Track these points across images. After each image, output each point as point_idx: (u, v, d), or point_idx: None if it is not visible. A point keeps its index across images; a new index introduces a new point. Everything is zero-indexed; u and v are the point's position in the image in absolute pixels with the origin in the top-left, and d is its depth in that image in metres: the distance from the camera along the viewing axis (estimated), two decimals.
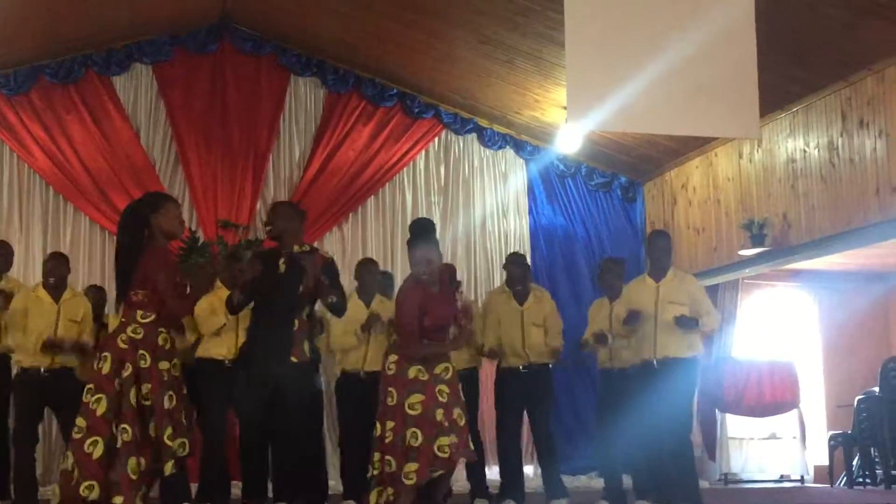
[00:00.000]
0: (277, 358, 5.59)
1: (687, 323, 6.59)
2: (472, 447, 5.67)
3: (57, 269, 7.18)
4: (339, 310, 5.95)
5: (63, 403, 6.95)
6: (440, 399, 5.48)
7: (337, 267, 5.98)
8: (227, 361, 6.87)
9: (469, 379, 7.48)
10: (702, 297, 6.78)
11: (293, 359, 5.57)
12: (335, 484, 7.89)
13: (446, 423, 5.44)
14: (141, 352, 5.17)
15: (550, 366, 7.60)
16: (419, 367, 5.56)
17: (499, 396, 7.64)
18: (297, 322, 5.63)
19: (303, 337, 5.63)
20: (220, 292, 7.03)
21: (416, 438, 5.38)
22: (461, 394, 5.64)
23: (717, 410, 9.75)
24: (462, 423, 5.51)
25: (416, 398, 5.45)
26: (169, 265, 5.37)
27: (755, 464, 10.14)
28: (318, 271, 5.65)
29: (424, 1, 8.34)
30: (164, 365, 5.21)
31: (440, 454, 5.38)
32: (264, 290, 5.79)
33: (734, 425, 10.08)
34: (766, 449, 10.15)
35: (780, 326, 10.73)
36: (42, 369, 6.98)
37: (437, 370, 5.57)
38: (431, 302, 5.63)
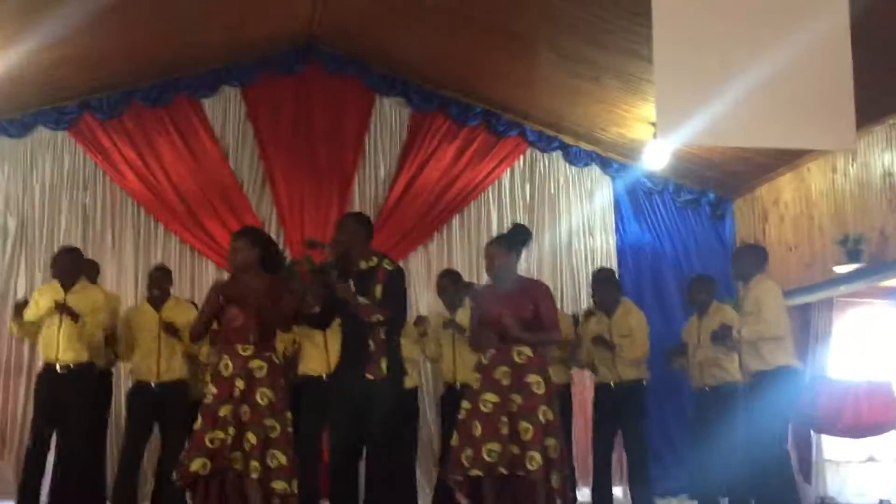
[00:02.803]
0: (355, 375, 5.58)
1: (719, 336, 6.56)
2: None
3: (160, 281, 7.44)
4: (391, 325, 5.68)
5: (171, 419, 7.10)
6: (482, 409, 5.44)
7: (400, 278, 5.77)
8: (324, 376, 6.97)
9: (561, 396, 7.45)
10: (765, 304, 6.49)
11: (368, 376, 5.54)
12: None
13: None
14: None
15: (644, 382, 7.54)
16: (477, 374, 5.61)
17: (593, 413, 7.65)
18: (373, 343, 5.57)
19: (380, 355, 5.56)
20: None
21: (477, 430, 5.45)
22: (531, 401, 5.44)
23: (812, 432, 9.49)
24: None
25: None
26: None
27: (853, 487, 9.81)
28: (353, 298, 5.58)
29: (509, 20, 8.30)
30: (213, 389, 5.52)
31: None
32: (342, 310, 5.80)
33: (830, 447, 9.79)
34: (864, 472, 9.84)
35: (876, 345, 10.41)
36: (153, 383, 7.13)
37: (496, 374, 5.50)
38: (489, 298, 5.66)
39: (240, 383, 5.46)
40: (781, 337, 6.38)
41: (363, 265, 5.72)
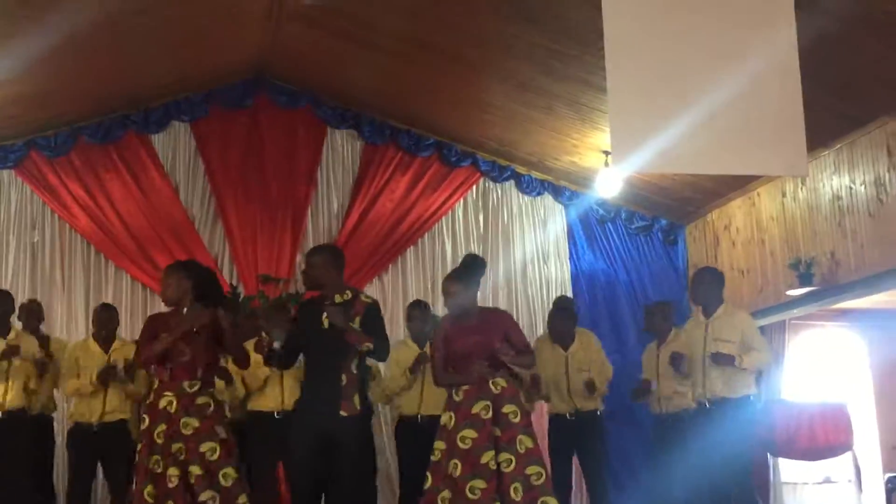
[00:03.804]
0: (327, 412, 5.51)
1: (722, 359, 6.56)
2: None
3: (108, 321, 7.25)
4: (378, 354, 5.82)
5: (114, 458, 6.93)
6: (461, 446, 5.35)
7: (379, 310, 5.84)
8: (276, 414, 6.90)
9: None
10: (751, 334, 6.72)
11: (343, 412, 5.49)
12: None
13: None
14: (143, 415, 5.59)
15: (599, 412, 7.55)
16: (449, 412, 5.52)
17: (549, 443, 7.62)
18: (345, 376, 5.54)
19: (353, 390, 5.54)
20: None
21: (457, 469, 5.31)
22: (509, 431, 5.40)
23: (768, 454, 9.55)
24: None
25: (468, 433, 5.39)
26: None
27: None
28: (345, 324, 5.56)
29: (459, 50, 8.32)
30: (159, 427, 5.39)
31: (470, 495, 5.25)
32: (309, 343, 5.74)
33: (787, 469, 9.86)
34: (821, 493, 9.91)
35: (829, 367, 10.52)
36: (94, 423, 6.98)
37: (475, 409, 5.42)
38: (457, 333, 5.58)
39: (193, 421, 5.38)
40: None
41: (338, 299, 5.68)
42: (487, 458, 5.30)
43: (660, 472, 7.36)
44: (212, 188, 9.67)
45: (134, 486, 5.38)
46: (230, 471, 5.37)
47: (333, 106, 10.01)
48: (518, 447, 5.33)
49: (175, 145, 9.76)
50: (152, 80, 9.11)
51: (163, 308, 9.01)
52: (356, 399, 5.54)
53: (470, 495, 5.23)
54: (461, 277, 5.70)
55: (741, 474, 6.41)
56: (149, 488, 5.25)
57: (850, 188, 8.02)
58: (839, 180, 8.15)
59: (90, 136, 9.40)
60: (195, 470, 5.27)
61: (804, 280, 8.41)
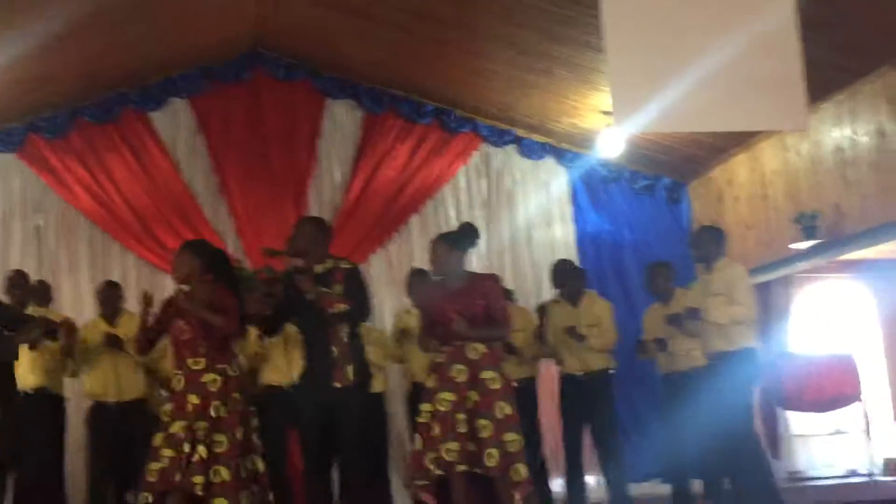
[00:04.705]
0: (322, 383, 5.51)
1: (688, 315, 6.54)
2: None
3: (114, 299, 7.32)
4: (356, 315, 5.67)
5: (135, 439, 6.89)
6: (440, 408, 5.38)
7: (358, 273, 5.76)
8: (284, 386, 6.88)
9: (525, 390, 7.45)
10: (737, 287, 6.48)
11: (336, 384, 5.50)
12: None
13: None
14: None
15: (612, 372, 7.56)
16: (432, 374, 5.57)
17: (560, 405, 7.64)
18: (335, 348, 5.51)
19: (345, 360, 5.51)
20: None
21: (435, 430, 5.38)
22: (487, 398, 5.40)
23: (777, 407, 9.59)
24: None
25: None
26: None
27: (821, 460, 9.95)
28: (310, 287, 5.49)
29: (456, 16, 8.29)
30: (168, 406, 5.46)
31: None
32: (300, 316, 5.73)
33: (797, 422, 9.91)
34: (831, 445, 9.96)
35: (837, 320, 10.53)
36: (112, 403, 7.02)
37: (452, 372, 5.44)
38: (438, 297, 5.60)
39: (193, 399, 5.33)
40: (754, 320, 6.48)
41: (318, 269, 5.65)
42: (460, 420, 5.33)
43: (670, 431, 7.40)
44: (213, 164, 9.68)
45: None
46: (200, 449, 5.23)
47: (330, 76, 9.98)
48: (496, 413, 5.35)
49: (175, 122, 9.75)
50: (149, 55, 9.08)
51: (168, 285, 9.25)
52: (349, 369, 5.51)
53: (446, 457, 5.27)
54: (444, 239, 5.72)
55: (744, 425, 6.42)
56: (153, 465, 5.23)
57: (853, 139, 8.00)
58: (841, 132, 8.13)
59: (89, 116, 9.41)
60: (199, 450, 5.23)
61: (808, 233, 8.41)
